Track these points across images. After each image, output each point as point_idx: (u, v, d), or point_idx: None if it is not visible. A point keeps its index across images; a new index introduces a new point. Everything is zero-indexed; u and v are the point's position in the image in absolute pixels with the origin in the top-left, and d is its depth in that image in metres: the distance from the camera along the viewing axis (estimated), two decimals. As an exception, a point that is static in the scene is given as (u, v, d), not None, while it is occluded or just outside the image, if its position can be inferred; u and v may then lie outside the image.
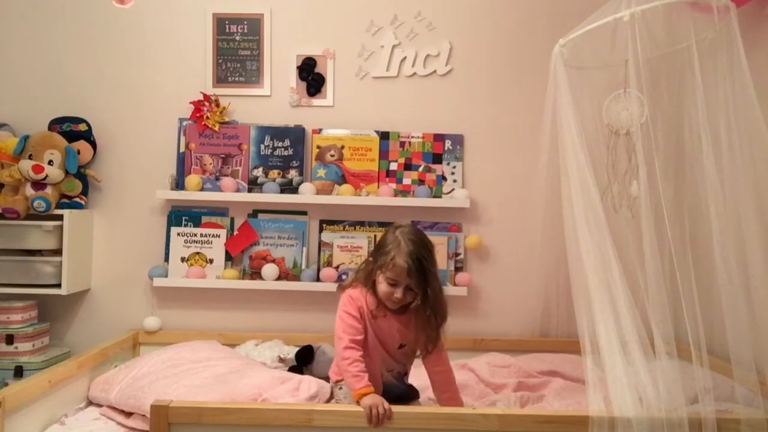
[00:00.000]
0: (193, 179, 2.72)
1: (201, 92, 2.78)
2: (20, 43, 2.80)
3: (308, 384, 2.03)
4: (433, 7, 2.84)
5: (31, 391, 1.90)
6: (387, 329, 1.92)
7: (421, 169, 2.82)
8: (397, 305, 1.88)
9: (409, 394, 2.03)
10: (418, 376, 2.07)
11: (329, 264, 2.76)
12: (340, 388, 1.97)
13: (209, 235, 2.76)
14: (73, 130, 2.72)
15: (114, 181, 2.81)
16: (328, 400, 2.04)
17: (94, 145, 2.76)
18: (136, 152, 2.81)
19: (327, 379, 2.11)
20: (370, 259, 1.93)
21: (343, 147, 2.81)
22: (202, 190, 2.73)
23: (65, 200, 2.65)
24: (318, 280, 2.72)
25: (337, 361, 1.91)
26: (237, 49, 2.83)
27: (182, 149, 2.79)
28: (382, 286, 1.85)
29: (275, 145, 2.80)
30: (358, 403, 1.76)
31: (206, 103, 2.77)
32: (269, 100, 2.85)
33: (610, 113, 2.10)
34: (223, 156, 2.79)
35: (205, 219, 2.79)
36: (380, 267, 1.85)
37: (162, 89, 2.82)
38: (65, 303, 2.74)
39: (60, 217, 2.56)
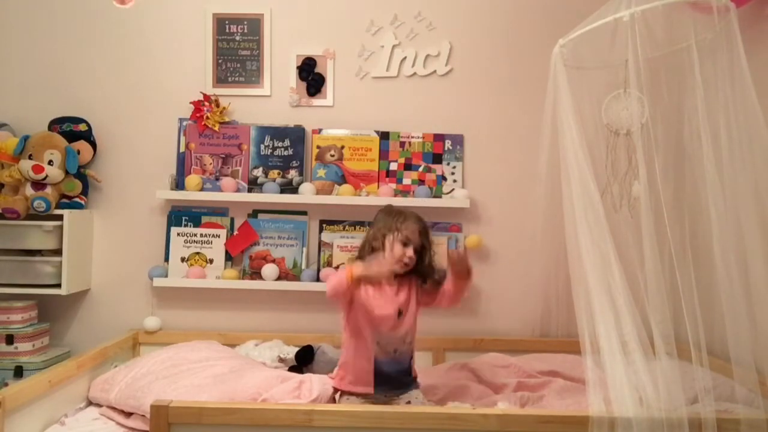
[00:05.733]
0: (193, 179, 2.72)
1: (201, 92, 2.78)
2: (20, 43, 2.80)
3: (309, 385, 2.03)
4: (433, 7, 2.84)
5: (31, 391, 1.90)
6: (381, 298, 2.01)
7: (421, 169, 2.82)
8: (405, 268, 1.99)
9: (403, 378, 2.06)
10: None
11: (329, 264, 2.76)
12: (348, 399, 2.00)
13: (209, 235, 2.76)
14: (73, 130, 2.72)
15: (114, 181, 2.81)
16: (332, 396, 2.04)
17: (94, 145, 2.76)
18: (136, 152, 2.81)
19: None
20: (376, 234, 2.04)
21: (343, 147, 2.81)
22: (202, 190, 2.73)
23: (65, 200, 2.65)
24: (318, 280, 2.72)
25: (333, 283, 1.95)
26: (237, 49, 2.83)
27: (182, 149, 2.79)
28: (396, 249, 1.98)
29: (275, 145, 2.80)
30: (353, 280, 1.86)
31: (206, 103, 2.77)
32: (269, 100, 2.85)
33: (610, 113, 2.10)
34: (223, 156, 2.79)
35: (205, 219, 2.79)
36: (395, 229, 1.99)
37: (162, 89, 2.82)
38: (65, 303, 2.74)
39: (60, 217, 2.56)
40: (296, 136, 2.80)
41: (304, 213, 2.81)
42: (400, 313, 2.03)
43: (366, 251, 2.05)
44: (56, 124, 2.73)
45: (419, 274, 2.06)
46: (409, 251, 1.98)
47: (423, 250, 2.04)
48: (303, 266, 2.76)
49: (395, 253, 1.98)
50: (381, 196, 2.74)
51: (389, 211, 2.09)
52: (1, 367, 2.45)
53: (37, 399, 1.93)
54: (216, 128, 2.77)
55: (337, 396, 2.05)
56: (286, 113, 2.84)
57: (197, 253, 2.76)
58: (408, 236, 1.99)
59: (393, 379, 2.02)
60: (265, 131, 2.80)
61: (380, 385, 2.00)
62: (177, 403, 1.76)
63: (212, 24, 2.83)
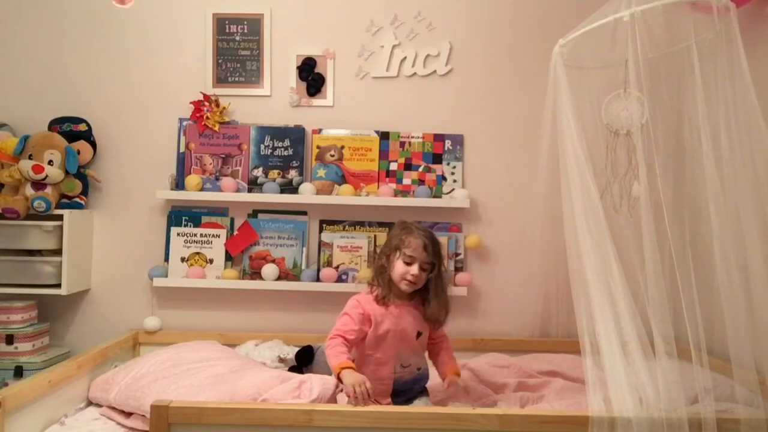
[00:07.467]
0: (193, 179, 2.72)
1: (201, 92, 2.78)
2: (20, 43, 2.80)
3: (309, 385, 2.02)
4: (433, 7, 2.84)
5: (31, 391, 1.89)
6: (403, 318, 2.00)
7: (421, 169, 2.82)
8: (412, 286, 1.97)
9: (416, 392, 2.09)
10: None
11: (329, 264, 2.76)
12: None
13: (209, 235, 2.76)
14: (73, 130, 2.72)
15: (114, 181, 2.81)
16: (332, 397, 2.03)
17: (94, 145, 2.76)
18: (136, 152, 2.81)
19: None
20: (382, 253, 2.05)
21: (343, 147, 2.81)
22: (202, 190, 2.73)
23: (65, 200, 2.65)
24: (318, 280, 2.72)
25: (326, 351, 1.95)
26: (237, 49, 2.83)
27: (182, 149, 2.79)
28: (399, 267, 1.97)
29: (275, 145, 2.80)
30: (338, 378, 1.83)
31: (206, 103, 2.77)
32: (269, 100, 2.85)
33: (610, 113, 2.10)
34: (223, 156, 2.79)
35: (205, 219, 2.79)
36: (397, 248, 1.98)
37: (162, 89, 2.82)
38: (65, 303, 2.74)
39: (60, 217, 2.56)
40: (296, 136, 2.80)
41: (304, 213, 2.82)
42: (419, 335, 2.04)
43: (376, 270, 2.05)
44: (56, 124, 2.73)
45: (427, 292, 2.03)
46: (414, 269, 1.95)
47: (432, 266, 2.00)
48: (303, 266, 2.76)
49: (396, 272, 1.98)
50: (381, 196, 2.74)
51: (398, 226, 2.07)
52: (1, 367, 2.45)
53: (37, 399, 1.92)
54: (216, 128, 2.77)
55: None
56: (286, 113, 2.84)
57: (197, 253, 2.75)
58: (410, 255, 1.95)
59: (408, 391, 2.06)
60: (265, 131, 2.80)
61: (396, 397, 2.03)
62: (177, 403, 1.76)
63: (212, 24, 2.83)
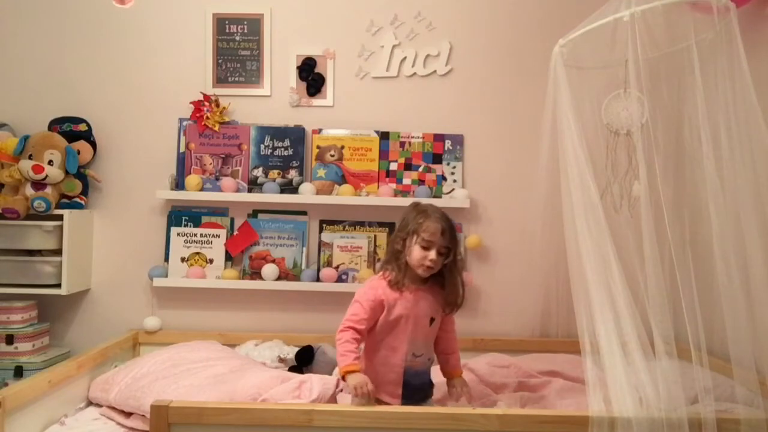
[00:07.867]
0: (193, 179, 2.72)
1: (201, 92, 2.78)
2: (21, 43, 2.80)
3: (309, 385, 2.02)
4: (433, 7, 2.84)
5: (31, 391, 1.90)
6: (416, 303, 1.95)
7: (421, 169, 2.82)
8: (429, 271, 1.93)
9: (427, 389, 2.05)
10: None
11: (329, 264, 2.76)
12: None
13: (209, 235, 2.76)
14: (73, 130, 2.72)
15: (114, 181, 2.81)
16: (332, 397, 2.03)
17: (94, 145, 2.76)
18: (136, 152, 2.81)
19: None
20: (398, 236, 1.98)
21: (343, 147, 2.81)
22: (202, 190, 2.73)
23: (65, 200, 2.65)
24: (318, 280, 2.72)
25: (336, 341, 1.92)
26: (237, 49, 2.83)
27: (182, 149, 2.79)
28: (416, 252, 1.91)
29: (275, 145, 2.80)
30: (343, 378, 1.83)
31: (206, 103, 2.77)
32: (269, 100, 2.85)
33: (610, 113, 2.10)
34: (223, 156, 2.79)
35: (205, 219, 2.79)
36: (414, 232, 1.92)
37: (162, 89, 2.82)
38: (65, 303, 2.74)
39: (60, 217, 2.56)
40: (296, 136, 2.80)
41: (304, 213, 2.82)
42: (432, 321, 1.98)
43: (391, 254, 2.00)
44: (56, 124, 2.73)
45: (442, 278, 1.98)
46: (431, 254, 1.89)
47: (448, 251, 1.93)
48: (303, 266, 2.76)
49: (414, 257, 1.92)
50: (381, 196, 2.74)
51: (413, 209, 1.99)
52: (1, 367, 2.45)
53: (37, 399, 1.92)
54: (216, 128, 2.77)
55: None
56: (286, 113, 2.84)
57: (197, 253, 2.76)
58: (428, 239, 1.89)
59: (419, 391, 2.00)
60: (265, 131, 2.80)
61: (407, 391, 1.96)
62: (177, 403, 1.76)
63: (212, 24, 2.83)
